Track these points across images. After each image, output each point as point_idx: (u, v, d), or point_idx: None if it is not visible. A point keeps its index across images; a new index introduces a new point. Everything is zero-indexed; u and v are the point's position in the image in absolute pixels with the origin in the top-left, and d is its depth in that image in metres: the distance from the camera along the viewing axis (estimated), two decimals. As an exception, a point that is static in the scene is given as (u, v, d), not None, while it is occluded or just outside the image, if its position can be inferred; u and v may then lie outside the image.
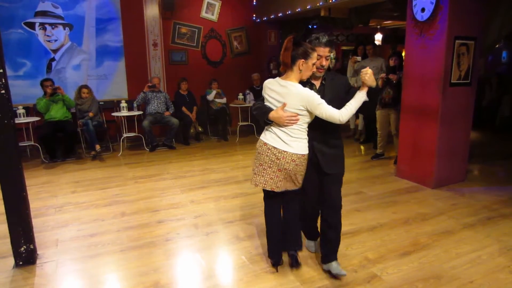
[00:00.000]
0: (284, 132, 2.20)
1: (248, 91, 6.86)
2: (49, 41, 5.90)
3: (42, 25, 5.81)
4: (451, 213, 3.40)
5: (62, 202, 3.75)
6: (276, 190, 2.28)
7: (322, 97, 2.16)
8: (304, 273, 2.43)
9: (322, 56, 2.20)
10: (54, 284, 2.37)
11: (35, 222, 2.83)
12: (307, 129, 2.24)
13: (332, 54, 10.14)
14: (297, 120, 2.17)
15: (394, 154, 5.10)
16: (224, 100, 6.73)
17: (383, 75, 4.88)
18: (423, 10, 3.80)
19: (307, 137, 2.25)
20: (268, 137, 2.26)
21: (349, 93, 2.26)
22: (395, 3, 4.93)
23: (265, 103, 2.29)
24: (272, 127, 2.25)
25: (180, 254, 2.73)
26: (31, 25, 5.74)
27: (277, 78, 2.26)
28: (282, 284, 2.32)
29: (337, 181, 2.44)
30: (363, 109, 2.25)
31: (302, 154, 2.22)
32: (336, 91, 2.28)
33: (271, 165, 2.23)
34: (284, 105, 2.16)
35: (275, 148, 2.21)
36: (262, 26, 7.45)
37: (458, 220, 3.23)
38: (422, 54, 3.93)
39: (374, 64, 5.73)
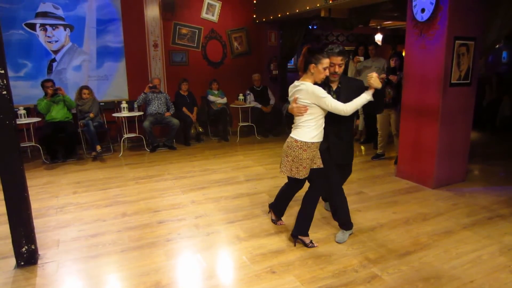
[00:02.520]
0: (296, 123, 2.64)
1: (248, 92, 6.86)
2: (49, 42, 5.91)
3: (43, 26, 5.82)
4: (452, 213, 3.40)
5: (63, 203, 3.76)
6: (291, 175, 2.67)
7: (337, 98, 2.63)
8: (305, 273, 2.44)
9: (335, 64, 2.60)
10: (55, 284, 2.38)
11: (36, 222, 2.84)
12: (317, 122, 2.58)
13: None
14: (306, 110, 2.55)
15: (394, 154, 5.10)
16: (224, 101, 6.74)
17: (383, 75, 4.87)
18: (423, 10, 3.81)
19: (313, 129, 2.57)
20: (293, 130, 2.69)
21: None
22: (395, 3, 4.94)
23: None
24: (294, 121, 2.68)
25: (181, 255, 2.74)
26: (32, 26, 5.75)
27: (295, 81, 2.67)
28: (283, 284, 2.33)
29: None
30: (369, 107, 2.66)
31: (304, 141, 2.57)
32: (351, 92, 2.65)
33: (286, 152, 2.68)
34: (295, 98, 2.58)
35: (291, 137, 2.66)
36: (262, 26, 7.46)
37: (458, 220, 3.24)
38: (422, 55, 3.93)
39: (376, 65, 5.74)
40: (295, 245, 2.79)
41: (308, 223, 2.80)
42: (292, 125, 2.69)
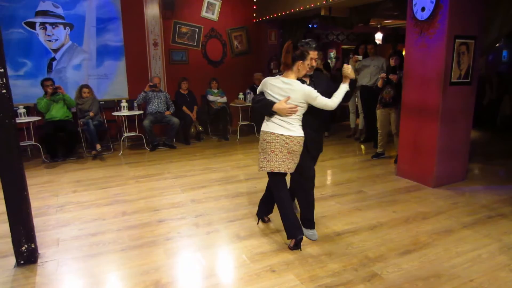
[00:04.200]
0: (284, 121, 2.60)
1: (248, 91, 6.86)
2: (49, 40, 5.91)
3: (43, 24, 5.82)
4: (451, 212, 3.40)
5: (63, 202, 3.76)
6: (288, 171, 2.68)
7: None
8: (304, 272, 2.44)
9: (313, 58, 2.67)
10: (55, 283, 2.38)
11: (36, 221, 2.83)
12: (299, 117, 2.65)
13: (332, 53, 10.14)
14: (296, 111, 2.58)
15: (394, 153, 5.10)
16: (224, 100, 6.74)
17: (383, 74, 4.88)
18: (423, 9, 3.80)
19: (299, 123, 2.66)
20: (272, 126, 2.63)
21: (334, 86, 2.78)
22: (395, 2, 4.93)
23: (266, 97, 2.67)
24: (273, 118, 2.63)
25: (181, 253, 2.74)
26: (32, 25, 5.75)
27: (279, 76, 2.65)
28: (282, 283, 2.33)
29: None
30: (347, 98, 2.75)
31: (302, 136, 2.65)
32: (322, 86, 2.74)
33: (282, 150, 2.61)
34: (288, 98, 2.56)
35: (282, 135, 2.60)
36: (263, 25, 7.46)
37: (458, 219, 3.24)
38: (422, 53, 3.93)
39: (375, 64, 5.73)
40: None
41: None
42: (267, 121, 2.66)
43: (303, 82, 2.67)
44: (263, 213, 3.14)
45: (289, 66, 2.57)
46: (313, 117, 2.74)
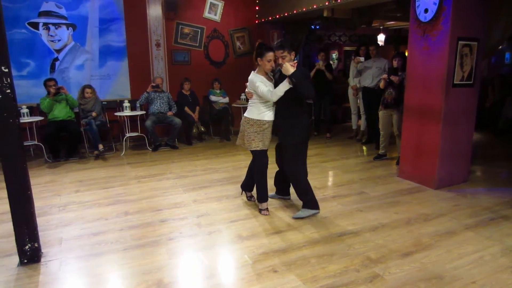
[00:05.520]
0: (248, 103, 3.32)
1: (250, 92, 6.86)
2: (52, 41, 5.93)
3: (46, 25, 5.84)
4: (453, 214, 3.40)
5: (66, 201, 3.78)
6: (242, 146, 3.37)
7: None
8: (306, 273, 2.44)
9: (278, 56, 3.07)
10: (58, 282, 2.39)
11: (39, 220, 2.84)
12: (262, 103, 3.18)
13: (334, 54, 10.14)
14: (251, 95, 3.23)
15: (396, 154, 5.10)
16: (226, 100, 6.75)
17: (385, 76, 4.88)
18: (426, 10, 3.80)
19: (259, 108, 3.20)
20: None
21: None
22: (398, 3, 4.93)
23: None
24: None
25: (183, 253, 2.75)
26: (35, 25, 5.77)
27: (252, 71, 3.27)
28: (284, 283, 2.33)
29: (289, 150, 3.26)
30: (300, 94, 3.01)
31: (245, 116, 3.29)
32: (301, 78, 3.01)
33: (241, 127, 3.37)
34: (245, 85, 3.30)
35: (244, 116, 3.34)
36: (265, 26, 7.47)
37: (460, 221, 3.23)
38: (425, 55, 3.93)
39: (377, 65, 5.73)
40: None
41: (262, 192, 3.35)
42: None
43: (281, 74, 3.12)
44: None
45: (255, 62, 3.20)
46: (285, 106, 3.13)
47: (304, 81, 2.97)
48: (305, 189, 3.30)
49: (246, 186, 3.70)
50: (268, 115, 3.21)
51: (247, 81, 3.30)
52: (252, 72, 3.23)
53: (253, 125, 3.21)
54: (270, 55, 3.08)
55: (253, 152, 3.32)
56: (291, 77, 2.93)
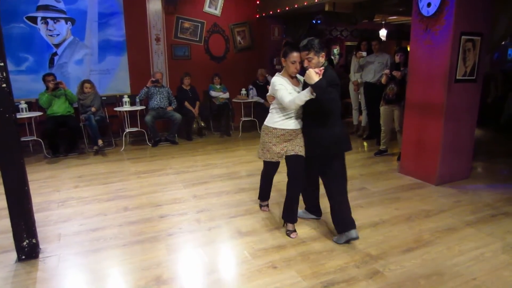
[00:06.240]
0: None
1: (251, 87, 6.82)
2: (51, 35, 5.89)
3: (44, 19, 5.79)
4: (454, 210, 3.38)
5: (65, 197, 3.76)
6: (261, 157, 2.98)
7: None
8: (306, 269, 2.43)
9: (303, 58, 2.62)
10: (56, 278, 2.38)
11: (38, 216, 2.84)
12: (282, 108, 2.76)
13: (335, 49, 10.08)
14: (272, 99, 2.83)
15: (397, 150, 5.07)
16: (227, 95, 6.72)
17: (387, 71, 4.84)
18: (429, 5, 3.75)
19: (281, 115, 2.78)
20: None
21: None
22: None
23: None
24: None
25: (182, 249, 2.73)
26: (33, 20, 5.72)
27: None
28: (284, 279, 2.32)
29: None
30: (330, 105, 2.53)
31: (266, 126, 2.87)
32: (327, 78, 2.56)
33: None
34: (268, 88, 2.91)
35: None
36: (266, 21, 7.40)
37: (461, 218, 3.22)
38: (428, 50, 3.88)
39: (380, 60, 5.68)
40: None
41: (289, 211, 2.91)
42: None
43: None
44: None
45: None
46: (310, 112, 2.67)
47: (328, 94, 2.47)
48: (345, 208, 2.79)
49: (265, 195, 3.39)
50: (287, 123, 2.77)
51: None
52: (277, 73, 2.83)
53: (268, 133, 2.85)
54: (294, 56, 2.64)
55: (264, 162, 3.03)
56: (314, 87, 2.43)
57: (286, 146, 2.80)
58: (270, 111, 2.88)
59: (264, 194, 3.34)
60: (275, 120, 2.80)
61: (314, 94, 2.45)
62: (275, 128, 2.79)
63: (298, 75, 2.82)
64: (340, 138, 2.72)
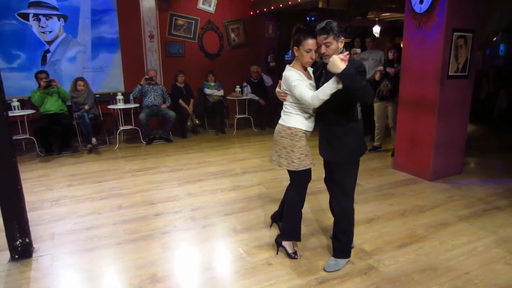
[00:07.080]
0: (283, 108, 2.44)
1: (245, 84, 6.81)
2: (43, 32, 5.82)
3: (36, 16, 5.72)
4: (448, 205, 3.41)
5: (58, 196, 3.73)
6: (270, 162, 2.53)
7: (326, 80, 2.13)
8: (301, 266, 2.44)
9: (320, 44, 2.22)
10: (50, 277, 2.36)
11: (31, 215, 2.81)
12: (299, 107, 2.33)
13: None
14: (285, 96, 2.37)
15: (391, 146, 5.10)
16: (221, 93, 6.70)
17: (380, 68, 4.86)
18: (421, 1, 3.77)
19: (301, 114, 2.35)
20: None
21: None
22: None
23: None
24: None
25: (177, 247, 2.73)
26: (25, 16, 5.64)
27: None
28: (279, 276, 2.33)
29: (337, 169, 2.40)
30: (364, 95, 2.09)
31: (287, 127, 2.36)
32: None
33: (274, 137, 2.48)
34: (278, 83, 2.43)
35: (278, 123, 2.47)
36: (260, 18, 7.38)
37: (454, 212, 3.25)
38: (420, 47, 3.90)
39: (373, 57, 5.70)
40: (277, 253, 2.57)
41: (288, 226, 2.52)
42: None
43: (321, 71, 2.32)
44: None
45: (292, 53, 2.35)
46: (327, 109, 2.23)
47: (359, 82, 2.03)
48: (348, 231, 2.45)
49: (277, 216, 2.90)
50: (310, 124, 2.39)
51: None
52: (288, 66, 2.38)
53: (285, 135, 2.37)
54: (309, 43, 2.21)
55: (289, 172, 2.48)
56: (341, 77, 2.00)
57: None
58: (286, 110, 2.38)
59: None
60: (301, 120, 2.35)
61: (341, 84, 2.04)
62: (307, 130, 2.38)
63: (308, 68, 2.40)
64: (359, 141, 2.37)
